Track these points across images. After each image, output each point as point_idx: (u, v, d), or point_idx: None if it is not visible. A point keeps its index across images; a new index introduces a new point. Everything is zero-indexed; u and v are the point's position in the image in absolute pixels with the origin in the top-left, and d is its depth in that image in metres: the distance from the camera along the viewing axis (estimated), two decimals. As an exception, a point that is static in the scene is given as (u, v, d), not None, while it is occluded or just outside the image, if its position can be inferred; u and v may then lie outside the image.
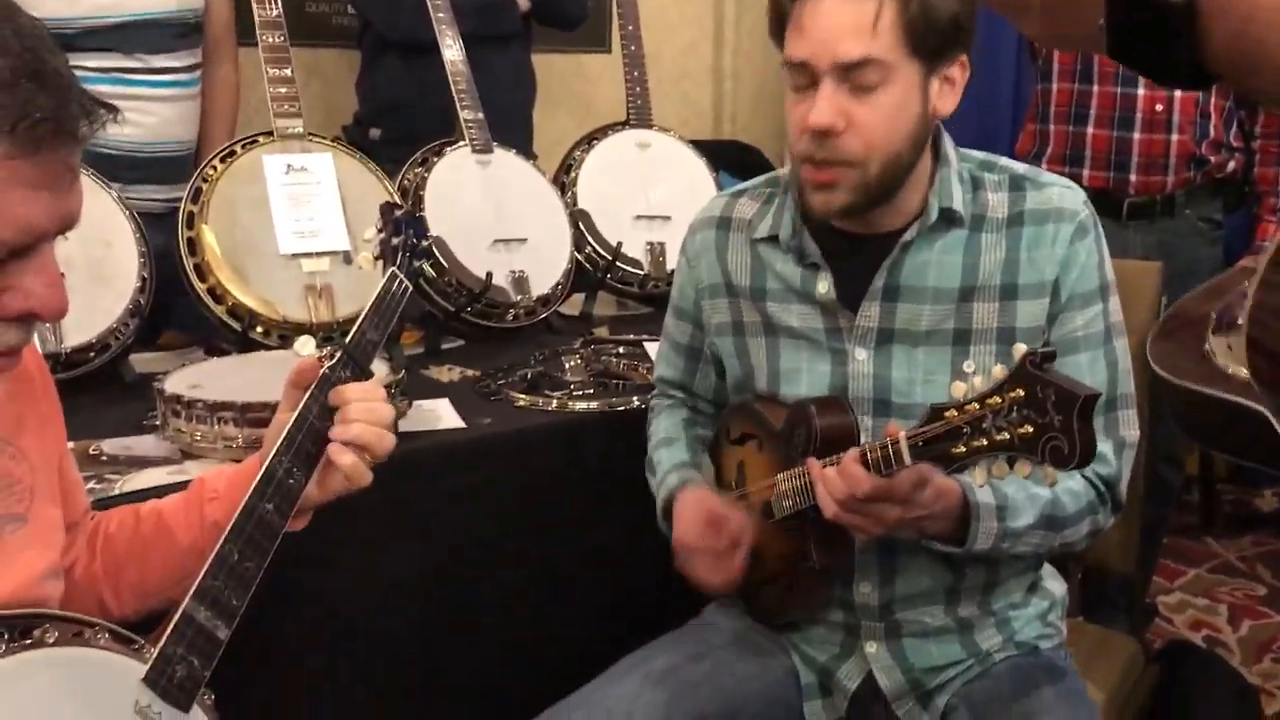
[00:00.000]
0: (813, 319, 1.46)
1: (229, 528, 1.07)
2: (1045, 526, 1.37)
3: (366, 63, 2.97)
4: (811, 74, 1.32)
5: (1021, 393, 1.07)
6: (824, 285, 1.44)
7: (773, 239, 1.49)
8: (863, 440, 1.34)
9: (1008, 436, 1.08)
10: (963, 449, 1.12)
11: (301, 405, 1.15)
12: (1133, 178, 2.53)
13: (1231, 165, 2.57)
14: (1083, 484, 1.40)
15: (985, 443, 1.10)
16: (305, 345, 1.20)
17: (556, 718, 1.40)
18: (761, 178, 1.59)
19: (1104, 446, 1.40)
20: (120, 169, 2.12)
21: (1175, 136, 2.52)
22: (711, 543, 1.44)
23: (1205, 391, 1.87)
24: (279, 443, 1.13)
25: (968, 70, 1.37)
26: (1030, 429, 1.07)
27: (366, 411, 1.16)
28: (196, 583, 1.03)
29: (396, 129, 2.78)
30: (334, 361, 1.19)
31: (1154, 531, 2.64)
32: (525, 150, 2.71)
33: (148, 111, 2.27)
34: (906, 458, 1.19)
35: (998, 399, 1.09)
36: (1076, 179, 2.44)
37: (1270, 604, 3.00)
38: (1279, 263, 0.59)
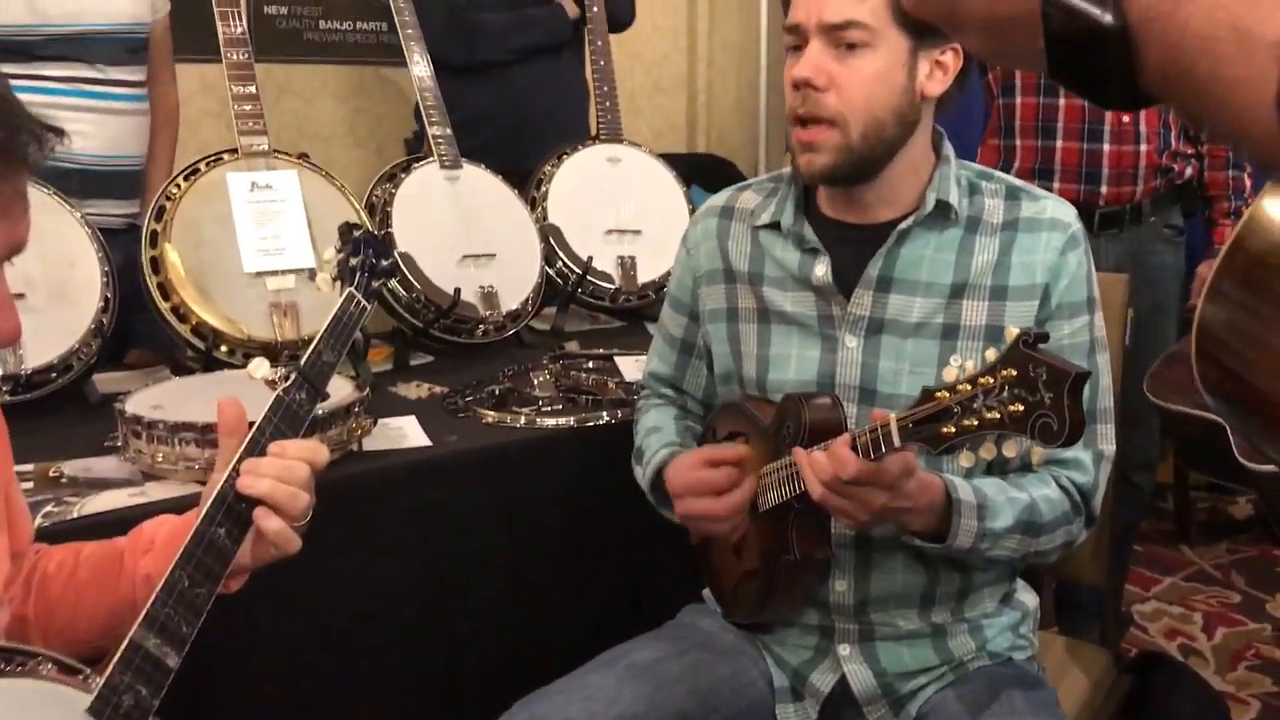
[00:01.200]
0: (807, 304, 1.49)
1: (179, 553, 1.05)
2: (1023, 531, 1.39)
3: None
4: (803, 34, 1.38)
5: (1014, 372, 1.09)
6: (821, 269, 1.47)
7: (774, 226, 1.53)
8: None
9: (998, 415, 1.10)
10: (952, 429, 1.14)
11: (254, 429, 1.14)
12: (1103, 189, 2.53)
13: (1189, 171, 2.59)
14: (1059, 493, 1.42)
15: (975, 422, 1.12)
16: (259, 368, 1.18)
17: (537, 700, 1.41)
18: (766, 175, 1.64)
19: (1083, 455, 1.43)
20: (78, 184, 2.11)
21: (1143, 147, 2.53)
22: (713, 480, 1.44)
23: (1192, 412, 1.88)
24: (230, 466, 1.11)
25: (962, 59, 1.42)
26: (1021, 407, 1.08)
27: (281, 469, 1.11)
28: (145, 609, 1.02)
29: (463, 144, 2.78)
30: (288, 384, 1.18)
31: (1125, 538, 2.65)
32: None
33: (105, 125, 2.26)
34: (896, 439, 1.20)
35: (989, 379, 1.11)
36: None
37: (1244, 611, 3.01)
38: (1226, 270, 0.58)
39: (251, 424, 1.15)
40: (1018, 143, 2.63)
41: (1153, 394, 1.99)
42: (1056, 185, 2.55)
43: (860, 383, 1.45)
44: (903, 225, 1.43)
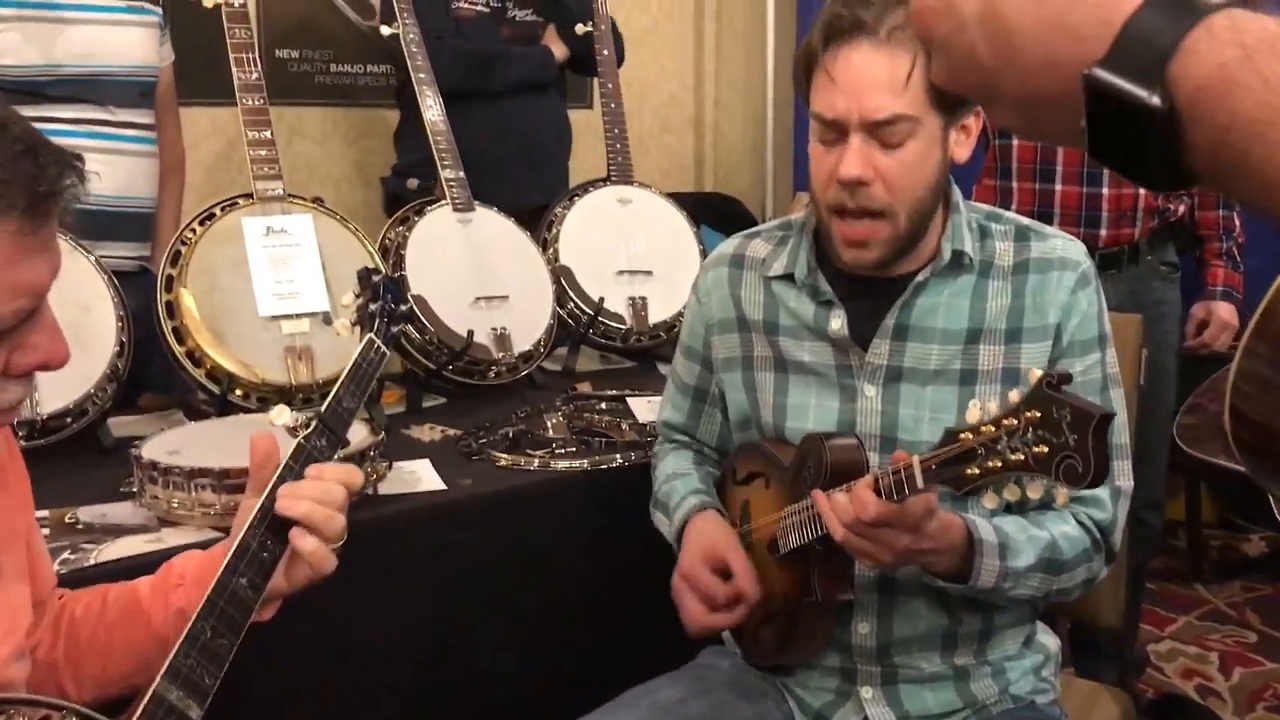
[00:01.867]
0: (824, 354, 1.49)
1: (201, 604, 1.05)
2: (1044, 569, 1.38)
3: (406, 117, 2.98)
4: (841, 128, 1.36)
5: (1038, 413, 1.09)
6: (837, 322, 1.47)
7: (787, 277, 1.52)
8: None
9: (1022, 457, 1.09)
10: (976, 470, 1.13)
11: (277, 475, 1.14)
12: (1103, 232, 2.52)
13: (1181, 209, 2.60)
14: (1079, 530, 1.42)
15: (999, 464, 1.11)
16: (281, 414, 1.19)
17: None
18: (775, 221, 1.63)
19: (1101, 492, 1.43)
20: (91, 226, 2.12)
21: (1142, 190, 2.53)
22: (711, 588, 1.44)
23: (1222, 464, 1.88)
24: (253, 514, 1.11)
25: (982, 118, 1.43)
26: (1045, 449, 1.08)
27: (319, 491, 1.13)
28: (168, 661, 1.01)
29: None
30: (309, 431, 1.18)
31: (1138, 578, 2.63)
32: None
33: (116, 166, 2.27)
34: (919, 480, 1.19)
35: (1013, 420, 1.10)
36: None
37: (1261, 651, 2.99)
38: (1262, 331, 0.58)
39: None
40: (1015, 185, 2.61)
41: (1188, 445, 1.99)
42: (1056, 228, 2.54)
43: (881, 431, 1.45)
44: (920, 278, 1.43)
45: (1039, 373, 1.11)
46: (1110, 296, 2.49)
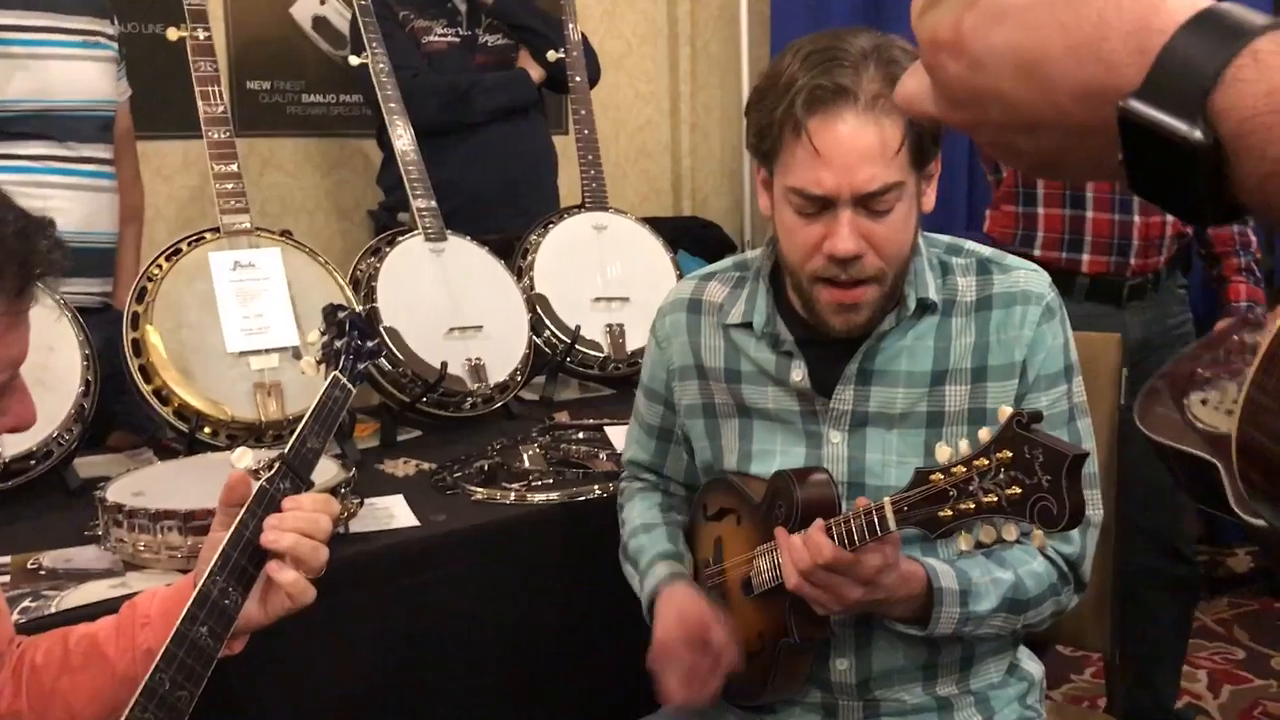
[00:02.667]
0: (787, 401, 1.46)
1: (160, 654, 1.01)
2: (1008, 610, 1.37)
3: (389, 152, 2.90)
4: (827, 202, 1.31)
5: (1009, 454, 1.07)
6: (798, 374, 1.44)
7: (746, 325, 1.49)
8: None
9: (995, 499, 1.07)
10: (949, 513, 1.11)
11: (238, 521, 1.11)
12: (1132, 260, 2.43)
13: (1190, 229, 2.57)
14: (1045, 565, 1.40)
15: (972, 506, 1.09)
16: (242, 458, 1.16)
17: None
18: (729, 261, 1.59)
19: None
20: None
21: (1169, 216, 2.45)
22: (693, 666, 1.41)
23: (1177, 447, 1.88)
24: (213, 561, 1.08)
25: (939, 163, 1.40)
26: (1018, 490, 1.06)
27: (305, 522, 1.12)
28: (125, 713, 0.98)
29: None
30: (272, 473, 1.15)
31: (1180, 624, 2.56)
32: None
33: (78, 201, 2.24)
34: (891, 523, 1.17)
35: (984, 460, 1.08)
36: (1075, 265, 2.42)
37: (1250, 668, 2.97)
38: (1269, 367, 0.55)
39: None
40: (1041, 211, 2.48)
41: (1149, 430, 1.97)
42: (1086, 257, 2.43)
43: (848, 477, 1.42)
44: (883, 327, 1.40)
45: (1009, 411, 1.09)
46: (1135, 330, 2.46)
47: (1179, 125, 0.47)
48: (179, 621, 1.04)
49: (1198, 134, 0.47)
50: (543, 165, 3.05)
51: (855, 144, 1.28)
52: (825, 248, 1.32)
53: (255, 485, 1.14)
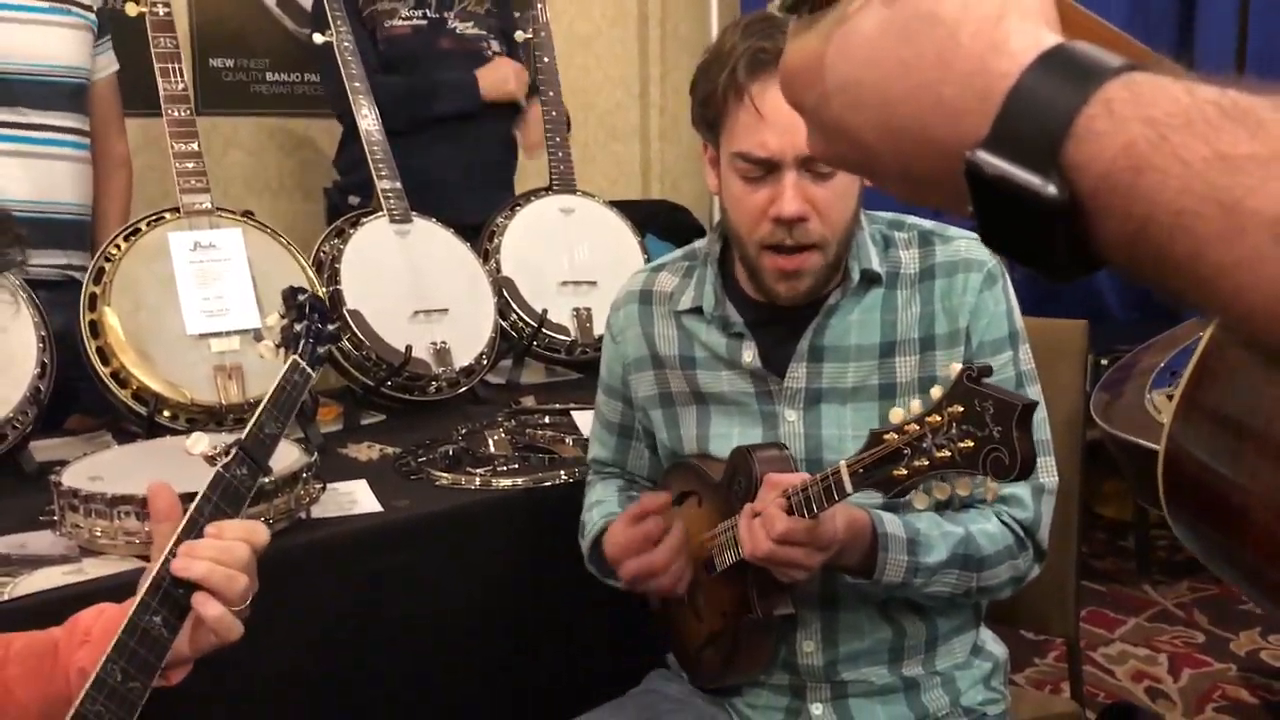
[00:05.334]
0: (742, 384, 1.47)
1: (111, 645, 0.99)
2: (961, 565, 1.37)
3: (347, 135, 2.86)
4: (772, 165, 1.33)
5: (960, 408, 1.08)
6: (749, 354, 1.45)
7: (696, 310, 1.50)
8: None
9: (949, 454, 1.08)
10: (904, 471, 1.12)
11: (193, 507, 1.09)
12: None
13: None
14: (999, 527, 1.40)
15: (926, 462, 1.10)
16: (198, 443, 1.14)
17: None
18: (679, 251, 1.60)
19: (1021, 490, 1.41)
20: None
21: None
22: (644, 532, 1.41)
23: (1136, 441, 1.88)
24: (144, 588, 1.04)
25: None
26: (971, 443, 1.07)
27: (218, 550, 1.07)
28: (74, 708, 0.96)
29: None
30: (229, 459, 1.13)
31: None
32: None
33: (40, 170, 2.20)
34: (848, 485, 1.18)
35: (937, 417, 1.09)
36: None
37: (1209, 651, 3.00)
38: (1200, 379, 0.55)
39: (193, 495, 1.10)
40: None
41: (1105, 422, 1.98)
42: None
43: (806, 454, 1.43)
44: (830, 301, 1.42)
45: (959, 367, 1.09)
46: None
47: (1031, 180, 0.43)
48: (131, 611, 1.02)
49: (1052, 189, 0.43)
50: (502, 161, 2.97)
51: None
52: (771, 211, 1.34)
53: (212, 471, 1.12)
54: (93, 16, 2.31)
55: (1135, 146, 0.41)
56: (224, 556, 1.06)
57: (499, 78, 2.82)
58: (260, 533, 1.11)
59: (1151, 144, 0.41)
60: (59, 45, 2.24)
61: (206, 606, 1.05)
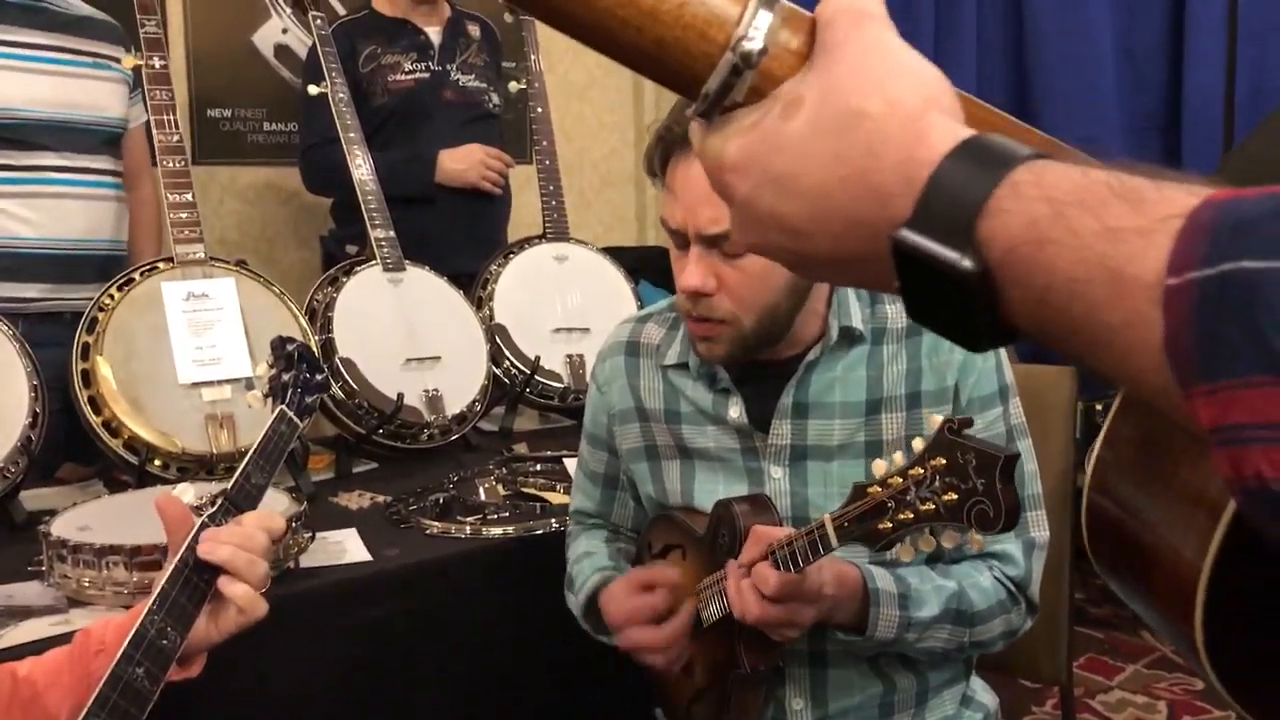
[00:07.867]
0: (727, 440, 1.46)
1: (91, 699, 0.99)
2: (953, 621, 1.36)
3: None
4: (682, 238, 1.34)
5: (943, 461, 1.07)
6: (735, 410, 1.44)
7: (682, 365, 1.49)
8: None
9: (933, 506, 1.08)
10: (889, 524, 1.11)
11: (178, 558, 1.09)
12: None
13: None
14: (991, 581, 1.39)
15: (911, 515, 1.10)
16: (185, 493, 1.15)
17: None
18: (665, 302, 1.60)
19: (1012, 547, 1.41)
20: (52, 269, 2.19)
21: None
22: (650, 604, 1.40)
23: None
24: (151, 599, 1.06)
25: None
26: (954, 496, 1.06)
27: (241, 537, 1.13)
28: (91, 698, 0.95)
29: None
30: (214, 509, 1.13)
31: None
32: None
33: (87, 209, 2.33)
34: (834, 540, 1.17)
35: (920, 470, 1.09)
36: None
37: (1208, 699, 2.97)
38: (1123, 415, 0.55)
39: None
40: None
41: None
42: None
43: (792, 511, 1.42)
44: (809, 357, 1.41)
45: (940, 419, 1.09)
46: None
47: (949, 254, 0.48)
48: (114, 662, 1.02)
49: (967, 262, 0.47)
50: (498, 208, 2.98)
51: (701, 185, 1.28)
52: (680, 281, 1.35)
53: (197, 521, 1.12)
54: (129, 72, 2.40)
55: (1037, 223, 0.46)
56: (246, 542, 1.12)
57: (458, 169, 2.81)
58: (277, 521, 1.18)
59: (1050, 220, 0.45)
60: (105, 98, 2.35)
61: (233, 586, 1.11)
